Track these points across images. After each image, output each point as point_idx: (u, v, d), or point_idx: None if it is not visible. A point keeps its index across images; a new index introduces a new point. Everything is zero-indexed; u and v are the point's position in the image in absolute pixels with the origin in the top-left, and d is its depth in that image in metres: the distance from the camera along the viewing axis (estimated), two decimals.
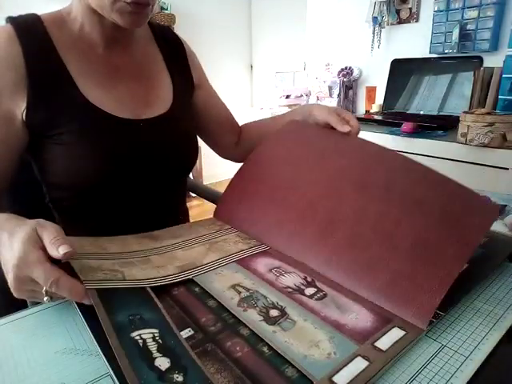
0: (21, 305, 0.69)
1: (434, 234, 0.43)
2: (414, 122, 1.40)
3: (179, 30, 3.03)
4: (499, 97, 1.33)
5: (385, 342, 0.33)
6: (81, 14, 0.56)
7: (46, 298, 0.37)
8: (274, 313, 0.38)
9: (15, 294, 0.38)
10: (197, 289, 0.42)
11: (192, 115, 0.73)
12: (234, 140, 0.83)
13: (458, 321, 0.38)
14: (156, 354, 0.31)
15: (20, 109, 0.53)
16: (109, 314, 0.35)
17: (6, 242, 0.39)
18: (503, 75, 1.31)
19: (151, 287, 0.41)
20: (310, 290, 0.42)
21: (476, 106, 1.41)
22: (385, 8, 1.78)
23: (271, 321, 0.37)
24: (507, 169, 1.12)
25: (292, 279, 0.44)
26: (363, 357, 0.32)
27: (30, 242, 0.37)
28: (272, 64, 3.41)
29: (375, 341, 0.34)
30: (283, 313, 0.38)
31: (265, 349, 0.33)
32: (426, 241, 0.43)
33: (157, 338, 0.34)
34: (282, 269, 0.46)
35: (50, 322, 0.40)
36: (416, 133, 1.36)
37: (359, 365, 0.31)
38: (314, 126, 0.66)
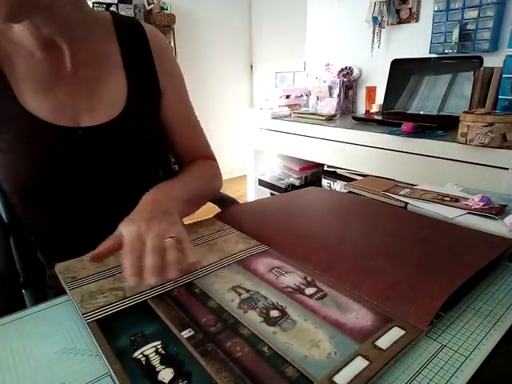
0: (20, 305, 0.69)
1: (438, 257, 0.47)
2: (414, 122, 1.39)
3: (179, 29, 3.03)
4: (499, 97, 1.33)
5: (385, 341, 0.33)
6: None
7: None
8: (274, 313, 0.38)
9: None
10: (197, 290, 0.43)
11: (153, 120, 0.66)
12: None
13: (458, 321, 0.38)
14: (159, 368, 0.32)
15: None
16: (109, 341, 0.35)
17: None
18: (503, 75, 1.31)
19: (151, 298, 0.41)
20: (310, 290, 0.42)
21: (476, 106, 1.41)
22: (385, 8, 1.77)
23: (271, 321, 0.37)
24: (507, 169, 1.12)
25: (292, 279, 0.44)
26: (363, 356, 0.32)
27: None
28: (272, 64, 3.41)
29: (375, 340, 0.34)
30: (283, 313, 0.38)
31: (265, 348, 0.33)
32: (430, 261, 0.47)
33: (160, 350, 0.34)
34: (282, 269, 0.46)
35: (50, 322, 0.40)
36: (416, 133, 1.35)
37: (359, 364, 0.31)
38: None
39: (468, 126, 1.17)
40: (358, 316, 0.37)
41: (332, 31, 2.13)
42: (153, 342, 0.35)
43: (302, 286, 0.42)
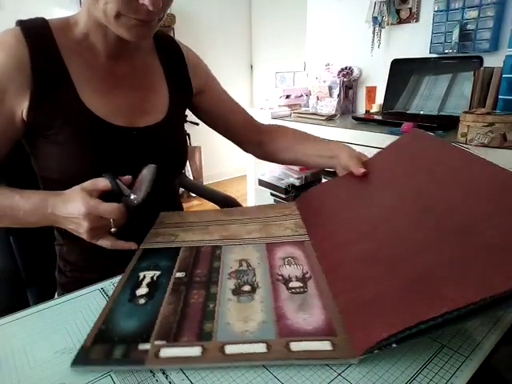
0: (24, 304, 0.69)
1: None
2: (414, 121, 1.39)
3: (179, 30, 3.03)
4: (499, 97, 1.33)
5: (301, 346, 0.34)
6: (86, 25, 0.59)
7: (113, 230, 0.51)
8: (246, 288, 0.44)
9: (93, 239, 0.51)
10: (218, 251, 0.52)
11: (183, 123, 0.75)
12: (255, 140, 0.84)
13: None
14: (143, 286, 0.45)
15: (21, 107, 0.56)
16: (138, 262, 0.51)
17: (58, 213, 0.50)
18: (503, 75, 1.31)
19: (185, 247, 0.54)
20: (295, 284, 0.44)
21: (476, 106, 1.41)
22: (385, 8, 1.77)
23: (237, 292, 0.43)
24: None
25: (292, 270, 0.47)
26: (268, 345, 0.34)
27: (87, 196, 0.49)
28: (272, 64, 3.41)
29: (294, 341, 0.34)
30: (252, 290, 0.43)
31: (211, 306, 0.40)
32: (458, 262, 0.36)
33: (153, 278, 0.47)
34: (294, 259, 0.49)
35: (50, 322, 0.40)
36: None
37: (258, 348, 0.34)
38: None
39: (468, 125, 1.17)
40: (308, 319, 0.37)
41: (332, 31, 2.13)
42: (156, 270, 0.48)
43: (293, 279, 0.45)
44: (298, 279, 0.45)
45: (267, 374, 0.32)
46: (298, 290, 0.43)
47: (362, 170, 0.61)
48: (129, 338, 0.36)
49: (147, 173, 0.55)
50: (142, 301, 0.42)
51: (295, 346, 0.34)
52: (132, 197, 0.53)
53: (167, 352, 0.34)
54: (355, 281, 0.42)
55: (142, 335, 0.37)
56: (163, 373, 0.33)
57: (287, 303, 0.40)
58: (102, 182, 0.52)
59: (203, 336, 0.36)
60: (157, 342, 0.35)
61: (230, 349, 0.34)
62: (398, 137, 1.41)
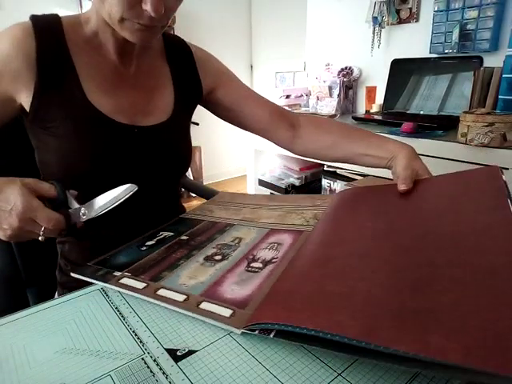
0: (25, 304, 0.69)
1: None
2: (414, 121, 1.39)
3: (179, 30, 3.03)
4: (499, 97, 1.33)
5: (207, 306, 0.39)
6: (96, 24, 0.59)
7: (41, 238, 0.46)
8: (217, 257, 0.49)
9: (11, 238, 0.46)
10: (227, 228, 0.58)
11: (189, 126, 0.75)
12: (288, 135, 0.77)
13: None
14: (153, 240, 0.56)
15: (20, 96, 0.57)
16: (167, 225, 0.62)
17: None
18: (503, 75, 1.31)
19: (207, 221, 0.62)
20: (255, 264, 0.47)
21: (476, 106, 1.41)
22: (385, 8, 1.77)
23: (208, 258, 0.49)
24: (507, 169, 1.12)
25: (266, 254, 0.49)
26: (187, 298, 0.40)
27: (28, 194, 0.45)
28: (272, 64, 3.42)
29: (206, 301, 0.39)
30: (220, 259, 0.49)
31: (181, 262, 0.48)
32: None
33: (166, 236, 0.57)
34: (279, 245, 0.51)
35: (49, 322, 0.40)
36: (416, 133, 1.35)
37: (177, 297, 0.40)
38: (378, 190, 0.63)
39: (468, 125, 1.17)
40: (235, 291, 0.41)
41: (332, 31, 2.13)
42: (171, 232, 0.58)
43: (259, 260, 0.48)
44: (262, 261, 0.47)
45: (267, 374, 0.32)
46: (253, 269, 0.46)
47: (403, 188, 0.57)
48: (113, 267, 0.48)
49: (116, 192, 0.48)
50: (144, 248, 0.54)
51: (204, 305, 0.39)
52: (82, 211, 0.48)
53: (125, 280, 0.45)
54: (301, 275, 0.41)
55: (121, 267, 0.48)
56: (163, 373, 0.33)
57: (234, 276, 0.44)
58: (47, 187, 0.48)
59: (155, 278, 0.44)
60: (125, 273, 0.46)
61: (161, 292, 0.42)
62: (398, 136, 1.41)
